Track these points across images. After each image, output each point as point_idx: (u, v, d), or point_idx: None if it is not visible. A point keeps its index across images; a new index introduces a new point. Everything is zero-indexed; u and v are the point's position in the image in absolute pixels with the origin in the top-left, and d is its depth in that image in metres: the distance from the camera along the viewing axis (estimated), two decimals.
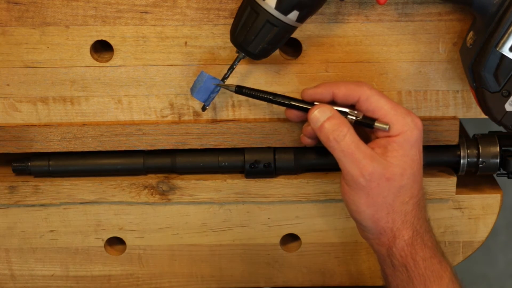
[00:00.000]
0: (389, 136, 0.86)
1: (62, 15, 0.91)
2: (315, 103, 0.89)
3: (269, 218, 1.00)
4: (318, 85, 0.90)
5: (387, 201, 0.86)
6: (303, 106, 0.89)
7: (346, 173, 0.86)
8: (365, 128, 0.88)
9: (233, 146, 0.97)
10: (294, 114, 0.91)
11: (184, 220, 1.00)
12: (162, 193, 0.98)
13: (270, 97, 0.91)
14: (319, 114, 0.87)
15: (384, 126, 0.86)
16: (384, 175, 0.85)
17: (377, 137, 0.88)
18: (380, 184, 0.85)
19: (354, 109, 0.88)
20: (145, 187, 0.98)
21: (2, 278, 1.03)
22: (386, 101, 0.87)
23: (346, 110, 0.88)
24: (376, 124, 0.87)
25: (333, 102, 0.89)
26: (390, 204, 0.86)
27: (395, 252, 0.87)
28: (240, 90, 0.91)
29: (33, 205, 0.99)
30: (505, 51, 0.83)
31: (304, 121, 0.91)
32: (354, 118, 0.88)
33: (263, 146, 0.97)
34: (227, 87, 0.90)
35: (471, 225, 1.01)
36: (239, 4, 0.87)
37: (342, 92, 0.88)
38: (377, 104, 0.87)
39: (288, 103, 0.90)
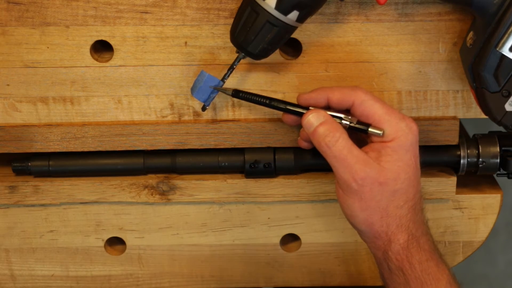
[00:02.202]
0: (383, 141, 0.86)
1: (62, 15, 0.91)
2: (310, 107, 0.89)
3: (269, 218, 1.00)
4: (313, 90, 0.90)
5: (380, 205, 0.86)
6: (298, 110, 0.90)
7: (339, 178, 0.86)
8: (360, 133, 0.88)
9: (233, 146, 0.97)
10: (290, 118, 0.92)
11: (184, 220, 1.00)
12: (162, 193, 0.98)
13: (266, 101, 0.91)
14: (313, 119, 0.87)
15: (378, 132, 0.86)
16: (377, 179, 0.85)
17: (372, 141, 0.88)
18: (373, 189, 0.85)
19: (350, 114, 0.88)
20: (145, 187, 0.98)
21: (2, 278, 1.03)
22: (380, 106, 0.86)
23: (341, 115, 0.88)
24: (370, 129, 0.86)
25: (328, 107, 0.89)
26: (384, 209, 0.86)
27: (391, 255, 0.87)
28: (236, 94, 0.91)
29: (33, 205, 0.99)
30: (505, 51, 0.83)
31: (301, 125, 0.90)
32: (348, 123, 0.88)
33: (263, 146, 0.97)
34: (224, 91, 0.91)
35: (471, 225, 1.01)
36: (239, 4, 0.87)
37: (337, 96, 0.88)
38: (371, 109, 0.86)
39: (284, 107, 0.90)
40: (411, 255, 0.87)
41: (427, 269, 0.87)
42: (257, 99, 0.91)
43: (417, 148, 0.88)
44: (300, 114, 0.89)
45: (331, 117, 0.87)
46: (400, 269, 0.87)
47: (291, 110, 0.90)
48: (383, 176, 0.85)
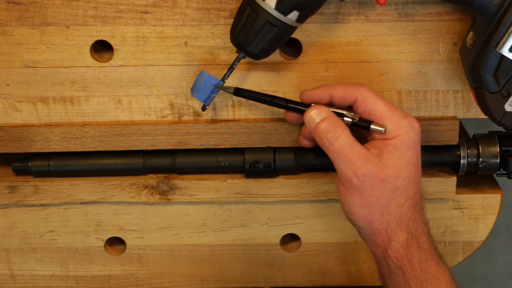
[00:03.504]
0: (385, 139, 0.86)
1: (62, 15, 0.91)
2: (312, 104, 0.89)
3: (269, 218, 1.00)
4: (316, 87, 0.90)
5: (381, 202, 0.86)
6: (300, 107, 0.90)
7: (340, 173, 0.86)
8: (362, 130, 0.88)
9: (233, 146, 0.97)
10: (292, 116, 0.92)
11: (184, 220, 1.00)
12: (162, 193, 0.98)
13: (268, 99, 0.91)
14: (315, 115, 0.87)
15: (380, 129, 0.86)
16: (378, 176, 0.85)
17: (374, 139, 0.88)
18: (374, 185, 0.85)
19: (352, 111, 0.88)
20: (145, 187, 0.98)
21: (2, 278, 1.03)
22: (383, 103, 0.87)
23: (343, 112, 0.88)
24: (372, 126, 0.87)
25: (331, 104, 0.89)
26: (384, 206, 0.86)
27: (390, 254, 0.87)
28: (238, 92, 0.91)
29: (33, 205, 0.99)
30: (505, 51, 0.83)
31: (303, 123, 0.91)
32: (350, 120, 0.88)
33: (263, 146, 0.97)
34: (226, 89, 0.91)
35: (471, 225, 1.01)
36: (239, 4, 0.87)
37: (339, 93, 0.88)
38: (373, 106, 0.87)
39: (286, 104, 0.90)
40: (411, 254, 0.87)
41: (427, 268, 0.87)
42: (259, 97, 0.91)
43: (419, 147, 0.88)
44: (302, 111, 0.89)
45: (333, 113, 0.87)
46: (400, 268, 0.87)
47: (293, 107, 0.90)
48: (384, 173, 0.85)
